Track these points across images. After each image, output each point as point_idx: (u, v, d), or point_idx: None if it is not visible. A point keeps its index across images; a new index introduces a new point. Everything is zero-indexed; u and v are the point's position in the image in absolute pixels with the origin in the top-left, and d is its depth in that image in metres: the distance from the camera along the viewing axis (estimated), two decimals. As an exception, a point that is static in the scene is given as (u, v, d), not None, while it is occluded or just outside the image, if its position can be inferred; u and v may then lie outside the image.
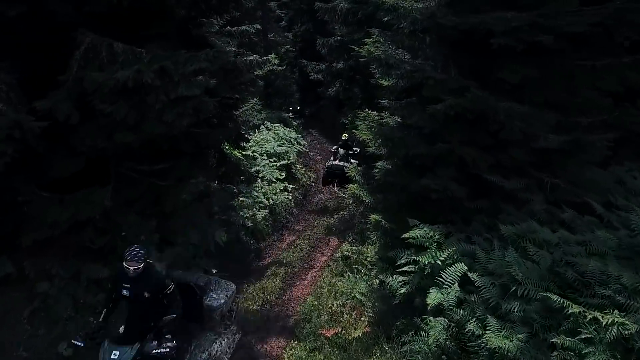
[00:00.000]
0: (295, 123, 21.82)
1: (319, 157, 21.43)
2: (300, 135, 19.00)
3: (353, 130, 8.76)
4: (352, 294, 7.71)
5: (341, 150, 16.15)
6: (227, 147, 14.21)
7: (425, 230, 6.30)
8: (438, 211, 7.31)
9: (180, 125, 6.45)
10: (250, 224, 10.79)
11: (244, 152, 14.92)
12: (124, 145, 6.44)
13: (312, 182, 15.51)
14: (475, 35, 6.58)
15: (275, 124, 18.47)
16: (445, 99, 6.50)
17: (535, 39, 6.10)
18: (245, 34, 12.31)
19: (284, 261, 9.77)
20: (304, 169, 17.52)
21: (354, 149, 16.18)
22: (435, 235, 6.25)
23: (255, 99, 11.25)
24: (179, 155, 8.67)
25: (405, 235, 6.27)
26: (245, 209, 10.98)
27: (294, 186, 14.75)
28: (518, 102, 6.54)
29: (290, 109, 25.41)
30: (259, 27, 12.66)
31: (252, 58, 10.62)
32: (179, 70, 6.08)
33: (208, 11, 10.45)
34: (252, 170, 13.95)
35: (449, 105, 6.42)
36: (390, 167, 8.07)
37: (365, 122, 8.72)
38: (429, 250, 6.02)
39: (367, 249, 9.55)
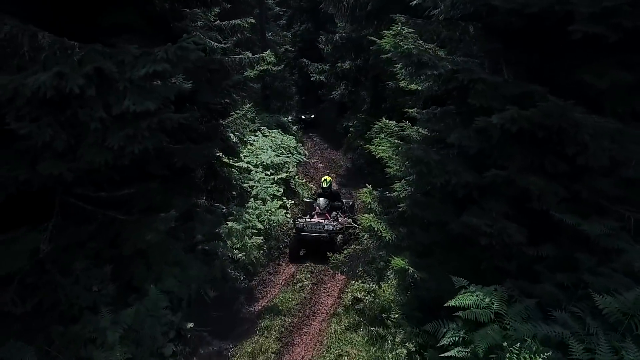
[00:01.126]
0: (294, 128, 19.99)
1: (321, 165, 19.61)
2: (300, 144, 17.17)
3: (368, 146, 6.94)
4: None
5: (321, 201, 11.14)
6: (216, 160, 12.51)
7: (478, 296, 4.47)
8: (485, 257, 5.49)
9: (131, 152, 4.60)
10: (240, 256, 8.95)
11: (237, 164, 13.13)
12: (54, 178, 4.61)
13: (314, 195, 13.66)
14: (547, 22, 4.76)
15: (273, 130, 16.65)
16: (504, 109, 4.68)
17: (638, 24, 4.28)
18: (238, 29, 10.47)
19: (281, 307, 7.92)
20: (304, 180, 15.71)
21: (342, 201, 11.69)
22: (493, 304, 4.42)
23: (249, 105, 9.37)
24: (148, 177, 6.85)
25: (451, 303, 4.45)
26: (234, 238, 9.14)
27: (293, 202, 12.94)
28: (598, 114, 4.73)
29: (302, 116, 23.73)
30: (253, 21, 10.85)
31: (242, 56, 8.80)
32: (126, 75, 4.25)
33: (192, 1, 8.65)
34: (246, 185, 12.14)
35: (510, 117, 4.60)
36: (418, 195, 6.25)
37: (382, 136, 6.93)
38: (488, 328, 4.19)
39: (383, 290, 7.74)
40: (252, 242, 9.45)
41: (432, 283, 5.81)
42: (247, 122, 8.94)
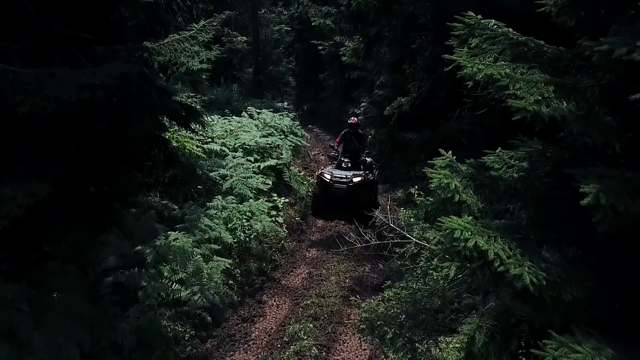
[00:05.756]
0: (292, 115, 15.76)
1: (323, 158, 15.47)
2: (297, 123, 13.02)
3: (453, 57, 2.92)
4: None
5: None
6: (173, 137, 8.43)
7: None
8: None
9: None
10: (186, 296, 4.82)
11: (206, 147, 9.04)
12: None
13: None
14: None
15: (263, 110, 12.56)
16: None
17: None
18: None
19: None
20: (302, 172, 11.63)
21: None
22: None
23: (203, 21, 5.21)
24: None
25: None
26: (176, 261, 5.01)
27: (287, 200, 8.85)
28: None
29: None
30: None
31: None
32: None
33: None
34: (214, 173, 8.06)
35: None
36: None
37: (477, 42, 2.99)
38: None
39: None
40: (211, 268, 5.33)
41: None
42: (199, 49, 4.81)
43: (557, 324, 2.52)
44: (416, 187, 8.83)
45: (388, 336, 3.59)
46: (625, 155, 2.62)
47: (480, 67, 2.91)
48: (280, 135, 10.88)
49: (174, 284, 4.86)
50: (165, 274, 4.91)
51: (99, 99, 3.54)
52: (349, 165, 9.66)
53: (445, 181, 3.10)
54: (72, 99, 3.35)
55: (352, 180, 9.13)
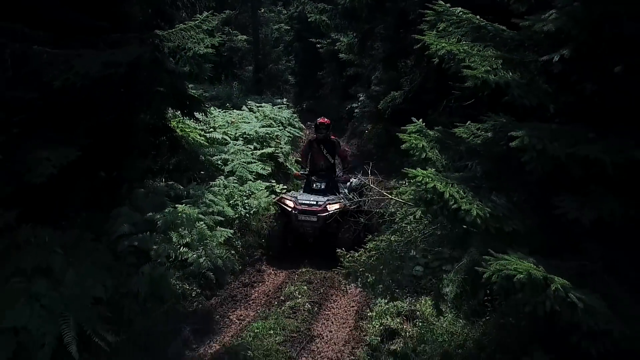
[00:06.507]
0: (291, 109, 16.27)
1: (321, 152, 16.02)
2: (295, 116, 13.59)
3: (419, 37, 3.49)
4: None
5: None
6: (178, 126, 8.97)
7: None
8: None
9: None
10: (191, 257, 5.38)
11: (208, 135, 9.60)
12: None
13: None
14: None
15: (263, 104, 13.12)
16: None
17: None
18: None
19: (252, 350, 4.35)
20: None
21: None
22: None
23: (206, 13, 5.79)
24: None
25: None
26: (182, 228, 5.58)
27: (285, 187, 9.40)
28: None
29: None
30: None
31: None
32: None
33: None
34: (216, 157, 8.62)
35: None
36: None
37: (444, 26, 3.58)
38: None
39: (442, 317, 4.27)
40: (215, 237, 5.91)
41: (612, 320, 2.33)
42: (204, 37, 5.38)
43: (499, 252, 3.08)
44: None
45: (369, 281, 4.16)
46: (558, 115, 3.20)
47: (443, 44, 3.48)
48: (279, 126, 11.45)
49: (182, 247, 5.43)
50: (174, 239, 5.47)
51: (120, 75, 4.11)
52: (322, 186, 7.20)
53: (415, 142, 3.68)
54: (98, 74, 3.91)
55: (325, 209, 6.55)
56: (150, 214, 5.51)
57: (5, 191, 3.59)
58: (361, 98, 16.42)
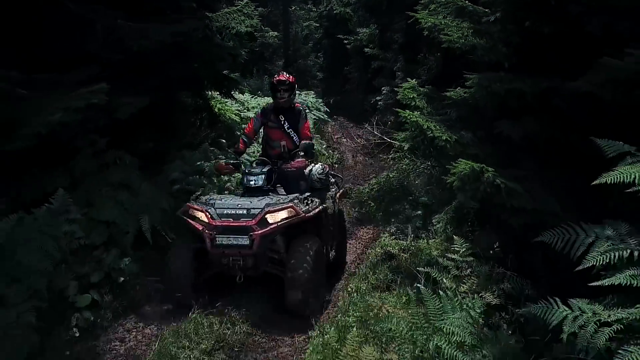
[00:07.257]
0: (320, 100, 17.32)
1: (345, 140, 17.04)
2: (321, 101, 14.77)
3: (413, 14, 4.57)
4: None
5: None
6: (216, 106, 10.22)
7: None
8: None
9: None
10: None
11: (242, 114, 10.82)
12: None
13: (336, 163, 10.99)
14: None
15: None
16: None
17: None
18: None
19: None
20: (324, 145, 13.28)
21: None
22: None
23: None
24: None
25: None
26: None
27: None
28: None
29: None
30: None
31: None
32: None
33: None
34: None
35: None
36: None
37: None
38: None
39: (428, 243, 5.34)
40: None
41: (526, 200, 3.39)
42: (244, 18, 6.60)
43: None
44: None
45: (372, 209, 5.30)
46: (512, 70, 4.27)
47: (430, 19, 4.60)
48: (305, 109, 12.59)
49: (225, 191, 6.63)
50: (219, 183, 6.68)
51: (179, 44, 5.36)
52: (259, 181, 4.67)
53: (408, 95, 4.80)
54: (169, 40, 5.15)
55: (263, 221, 4.13)
56: (199, 163, 6.74)
57: (100, 124, 4.83)
58: (384, 91, 17.42)
